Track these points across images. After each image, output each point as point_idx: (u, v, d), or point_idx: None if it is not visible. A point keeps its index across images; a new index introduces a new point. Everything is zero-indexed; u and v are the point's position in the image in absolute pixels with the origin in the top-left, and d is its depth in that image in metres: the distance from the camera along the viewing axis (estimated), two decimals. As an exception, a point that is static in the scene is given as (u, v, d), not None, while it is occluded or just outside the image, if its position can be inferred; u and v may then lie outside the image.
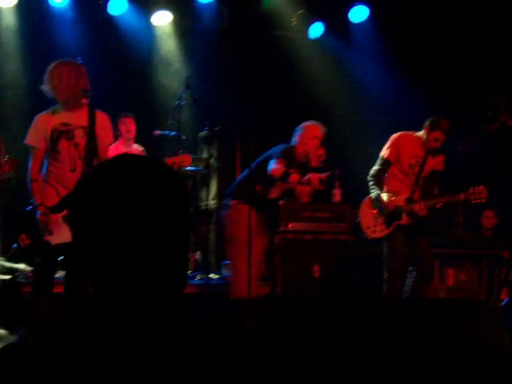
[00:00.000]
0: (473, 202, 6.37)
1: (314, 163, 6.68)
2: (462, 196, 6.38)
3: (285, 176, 6.36)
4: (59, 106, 5.42)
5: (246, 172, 6.71)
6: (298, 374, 3.69)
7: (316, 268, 7.45)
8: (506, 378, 3.71)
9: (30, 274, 6.65)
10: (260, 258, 6.64)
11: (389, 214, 6.64)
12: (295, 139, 6.70)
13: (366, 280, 7.35)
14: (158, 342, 1.37)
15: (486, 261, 7.96)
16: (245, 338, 1.49)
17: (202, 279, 7.67)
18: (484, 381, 4.00)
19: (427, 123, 6.60)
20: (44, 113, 5.52)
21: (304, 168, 6.64)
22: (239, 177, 6.88)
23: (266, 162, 6.53)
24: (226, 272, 7.88)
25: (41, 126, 5.37)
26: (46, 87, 5.39)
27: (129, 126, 7.90)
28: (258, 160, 6.64)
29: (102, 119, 5.44)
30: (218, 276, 7.89)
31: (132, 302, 1.38)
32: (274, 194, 6.65)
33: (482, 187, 6.33)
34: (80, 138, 5.32)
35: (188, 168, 7.76)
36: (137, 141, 8.14)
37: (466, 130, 9.32)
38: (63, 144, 5.32)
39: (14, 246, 6.13)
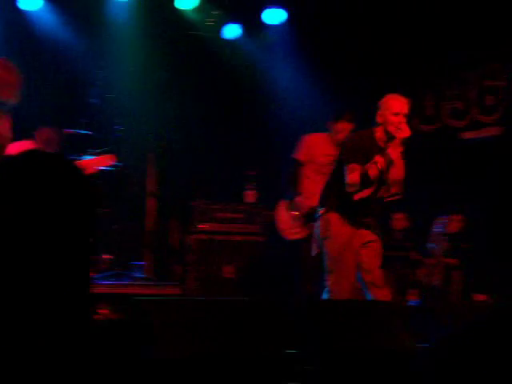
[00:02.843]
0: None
1: (394, 152, 5.31)
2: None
3: (364, 179, 5.29)
4: None
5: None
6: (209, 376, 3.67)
7: (228, 269, 7.43)
8: (410, 375, 3.77)
9: None
10: (353, 277, 5.51)
11: (305, 215, 6.66)
12: (376, 119, 5.43)
13: (280, 281, 7.38)
14: (57, 340, 1.33)
15: (395, 263, 8.09)
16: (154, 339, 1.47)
17: (114, 279, 7.56)
18: (390, 378, 4.06)
19: (330, 119, 6.62)
20: None
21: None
22: (327, 180, 5.78)
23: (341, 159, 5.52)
24: (136, 273, 7.80)
25: None
26: None
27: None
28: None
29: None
30: (129, 276, 7.80)
31: (27, 302, 1.33)
32: (363, 192, 5.45)
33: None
34: None
35: (100, 168, 7.63)
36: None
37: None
38: None
39: None
